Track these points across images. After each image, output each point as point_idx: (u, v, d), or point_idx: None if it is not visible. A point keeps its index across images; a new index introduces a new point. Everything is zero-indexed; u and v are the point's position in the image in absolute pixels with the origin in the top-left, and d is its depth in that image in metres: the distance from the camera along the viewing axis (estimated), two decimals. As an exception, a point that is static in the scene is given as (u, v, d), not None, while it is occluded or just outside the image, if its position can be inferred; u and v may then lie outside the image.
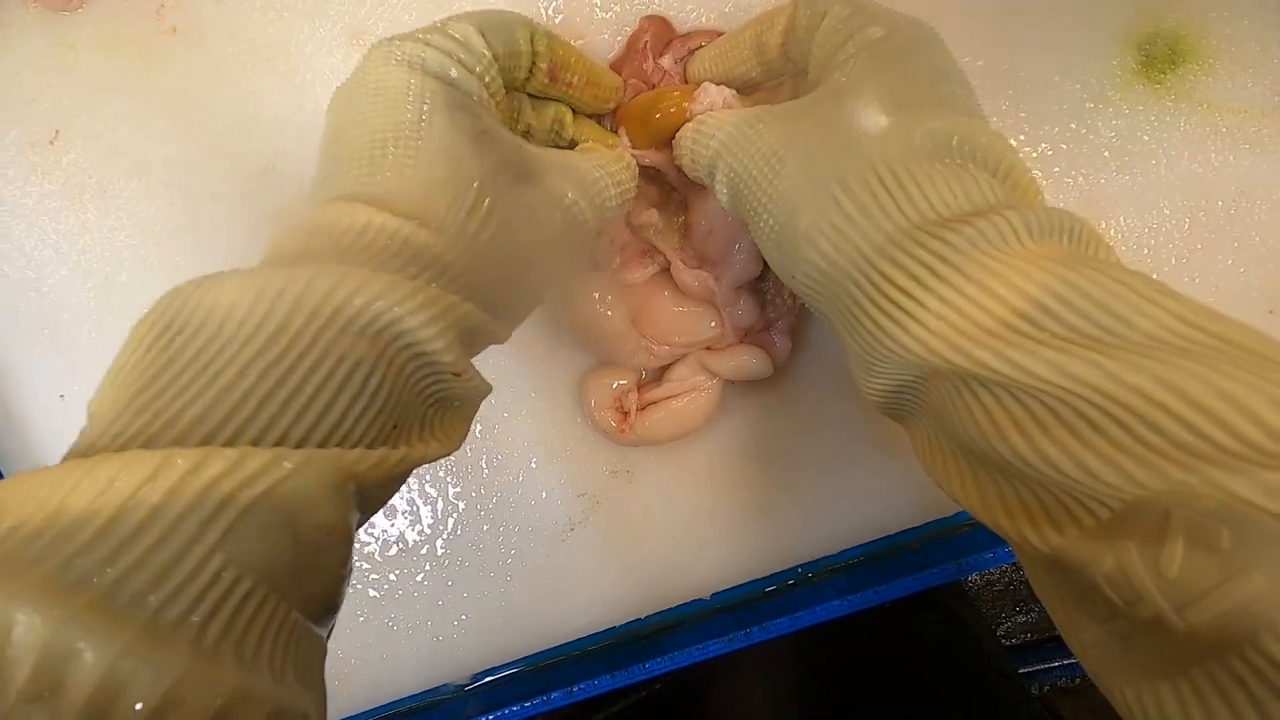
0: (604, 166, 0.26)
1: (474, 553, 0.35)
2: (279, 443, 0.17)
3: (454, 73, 0.22)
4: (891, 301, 0.19)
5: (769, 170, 0.23)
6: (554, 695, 0.34)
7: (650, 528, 0.34)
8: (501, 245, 0.22)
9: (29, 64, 0.34)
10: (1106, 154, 0.31)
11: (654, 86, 0.30)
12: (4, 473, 0.37)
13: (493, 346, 0.23)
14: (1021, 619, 1.12)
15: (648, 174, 0.30)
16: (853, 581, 0.34)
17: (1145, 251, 0.31)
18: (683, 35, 0.31)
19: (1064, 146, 0.31)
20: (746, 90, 0.29)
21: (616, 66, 0.31)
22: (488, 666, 0.36)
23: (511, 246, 0.22)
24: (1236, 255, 0.30)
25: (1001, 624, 1.11)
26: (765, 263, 0.30)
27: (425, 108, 0.22)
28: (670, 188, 0.30)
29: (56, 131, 0.35)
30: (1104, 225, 0.31)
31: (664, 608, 0.35)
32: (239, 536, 0.16)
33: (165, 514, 0.15)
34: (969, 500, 0.20)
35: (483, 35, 0.23)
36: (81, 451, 0.17)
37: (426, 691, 0.36)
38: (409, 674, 0.36)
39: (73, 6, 0.34)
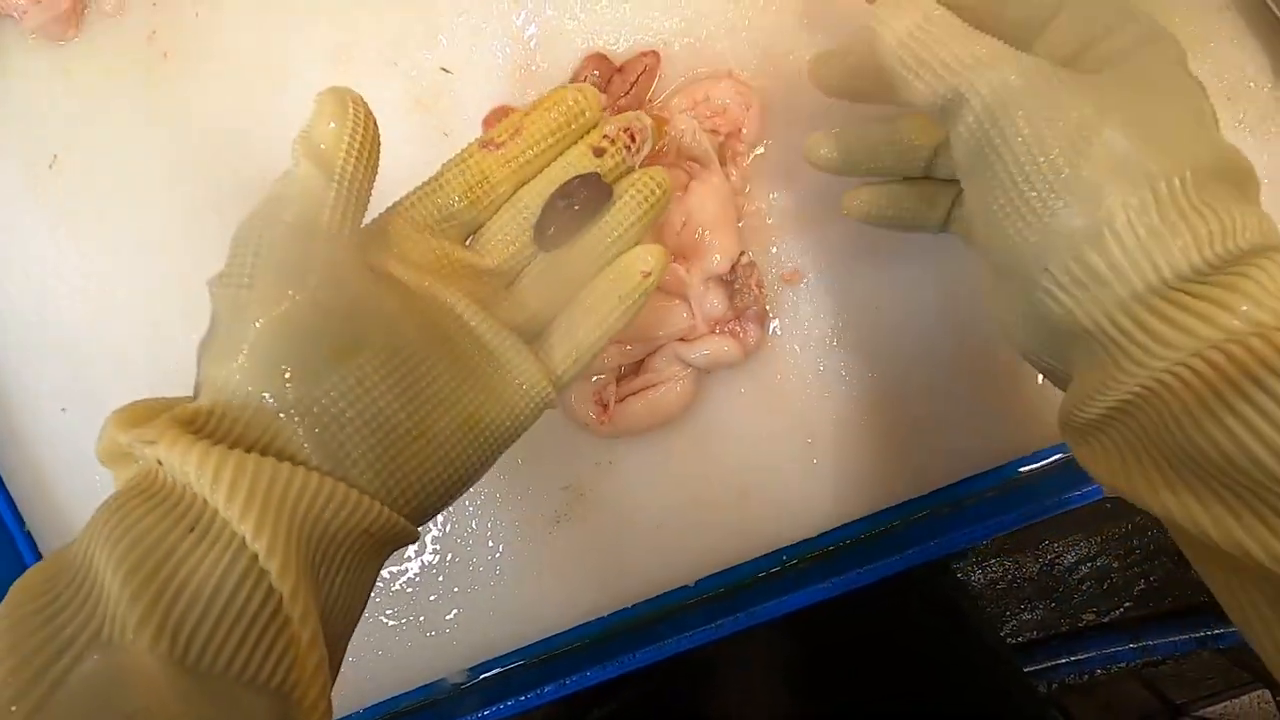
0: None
1: (462, 548, 0.36)
2: None
3: None
4: (1185, 310, 0.19)
5: (1069, 145, 0.20)
6: (547, 689, 0.35)
7: (634, 517, 0.35)
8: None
9: (27, 90, 0.36)
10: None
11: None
12: (6, 484, 0.38)
13: None
14: (1027, 616, 1.12)
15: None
16: (836, 565, 0.34)
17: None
18: (619, 68, 0.32)
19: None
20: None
21: None
22: (481, 661, 0.37)
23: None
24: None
25: (1007, 622, 1.10)
26: (732, 254, 0.31)
27: None
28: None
29: (55, 155, 0.36)
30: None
31: (650, 595, 0.36)
32: None
33: None
34: (1188, 513, 0.19)
35: None
36: None
37: (422, 688, 0.37)
38: (403, 670, 0.37)
39: (69, 35, 0.35)
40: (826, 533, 0.35)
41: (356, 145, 0.23)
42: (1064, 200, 0.20)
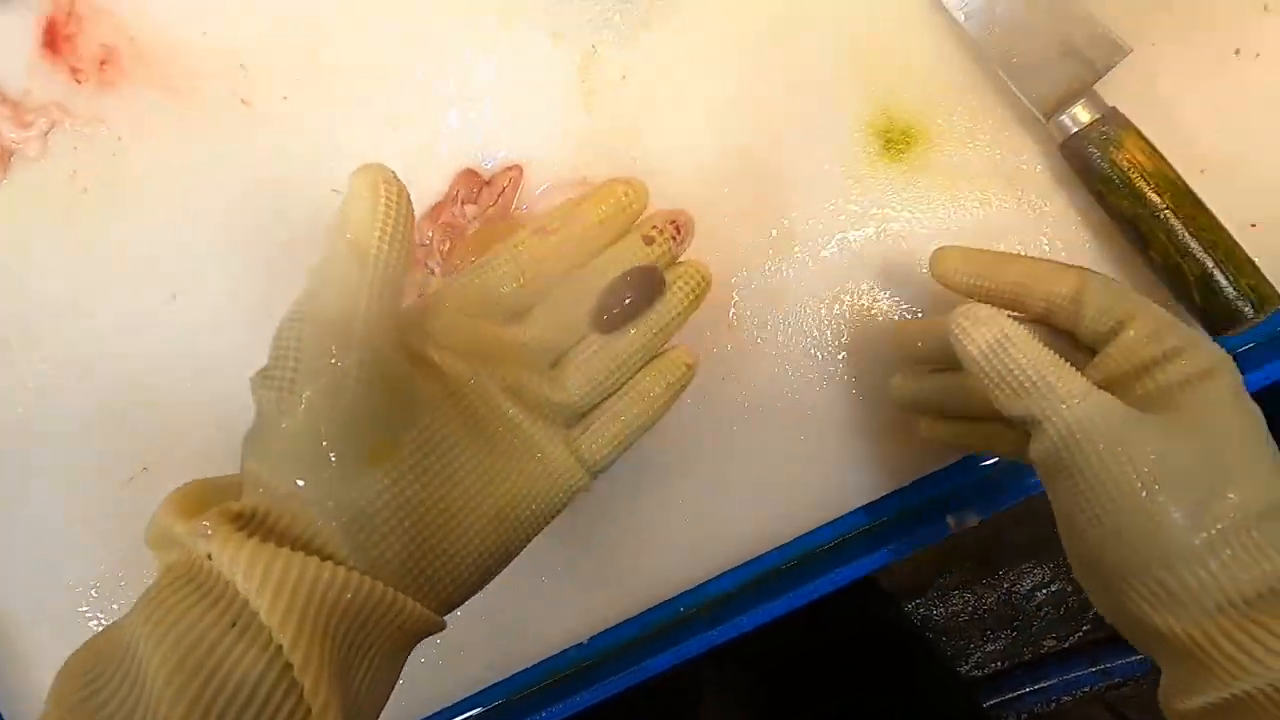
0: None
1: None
2: None
3: None
4: (1260, 644, 0.22)
5: (1139, 485, 0.23)
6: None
7: (523, 575, 0.38)
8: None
9: (-47, 230, 0.40)
10: (857, 214, 0.37)
11: (459, 228, 0.36)
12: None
13: None
14: (991, 647, 1.14)
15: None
16: (767, 590, 0.38)
17: (907, 295, 0.37)
18: (488, 181, 0.37)
19: (830, 214, 0.37)
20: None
21: (436, 212, 0.37)
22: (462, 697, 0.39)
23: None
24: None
25: (972, 654, 1.12)
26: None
27: None
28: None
29: (-13, 279, 0.40)
30: (866, 277, 0.37)
31: (546, 655, 0.39)
32: None
33: None
34: None
35: None
36: None
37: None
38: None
39: (-3, 180, 0.39)
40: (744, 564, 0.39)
41: (390, 227, 0.22)
42: (1137, 532, 0.23)
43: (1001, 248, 0.36)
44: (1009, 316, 0.26)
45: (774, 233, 0.37)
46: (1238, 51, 0.36)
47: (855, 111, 0.37)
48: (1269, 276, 0.34)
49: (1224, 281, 0.33)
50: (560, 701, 0.37)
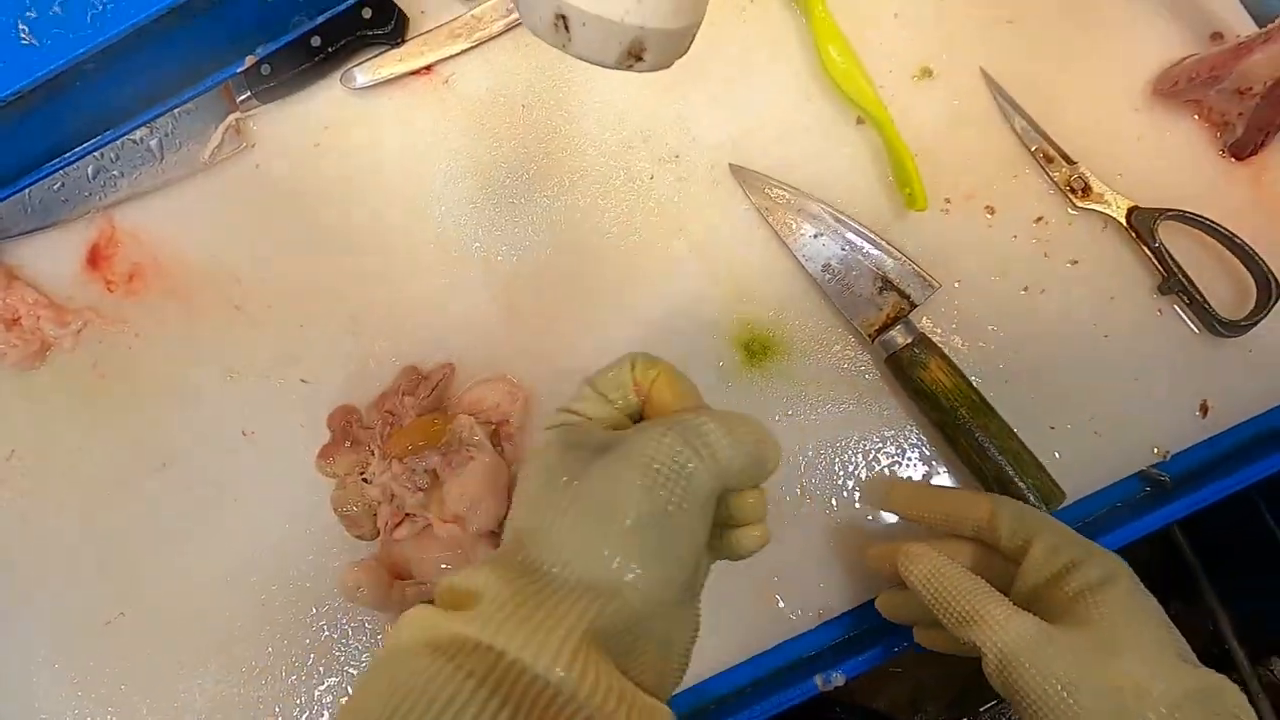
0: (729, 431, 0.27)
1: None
2: None
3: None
4: None
5: (1059, 698, 0.28)
6: None
7: None
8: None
9: (-6, 407, 0.48)
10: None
11: (396, 414, 0.44)
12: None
13: None
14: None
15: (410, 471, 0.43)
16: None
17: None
18: (425, 376, 0.46)
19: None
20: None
21: (380, 400, 0.45)
22: None
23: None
24: (838, 493, 0.43)
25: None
26: (499, 515, 0.43)
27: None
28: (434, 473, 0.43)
29: (12, 450, 0.48)
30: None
31: None
32: None
33: None
34: None
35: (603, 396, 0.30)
36: None
37: None
38: None
39: (35, 366, 0.49)
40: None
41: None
42: None
43: (850, 442, 0.44)
44: (942, 548, 0.34)
45: (656, 425, 0.45)
46: (1026, 289, 0.44)
47: (725, 326, 0.46)
48: (1066, 468, 0.40)
49: (1015, 479, 0.40)
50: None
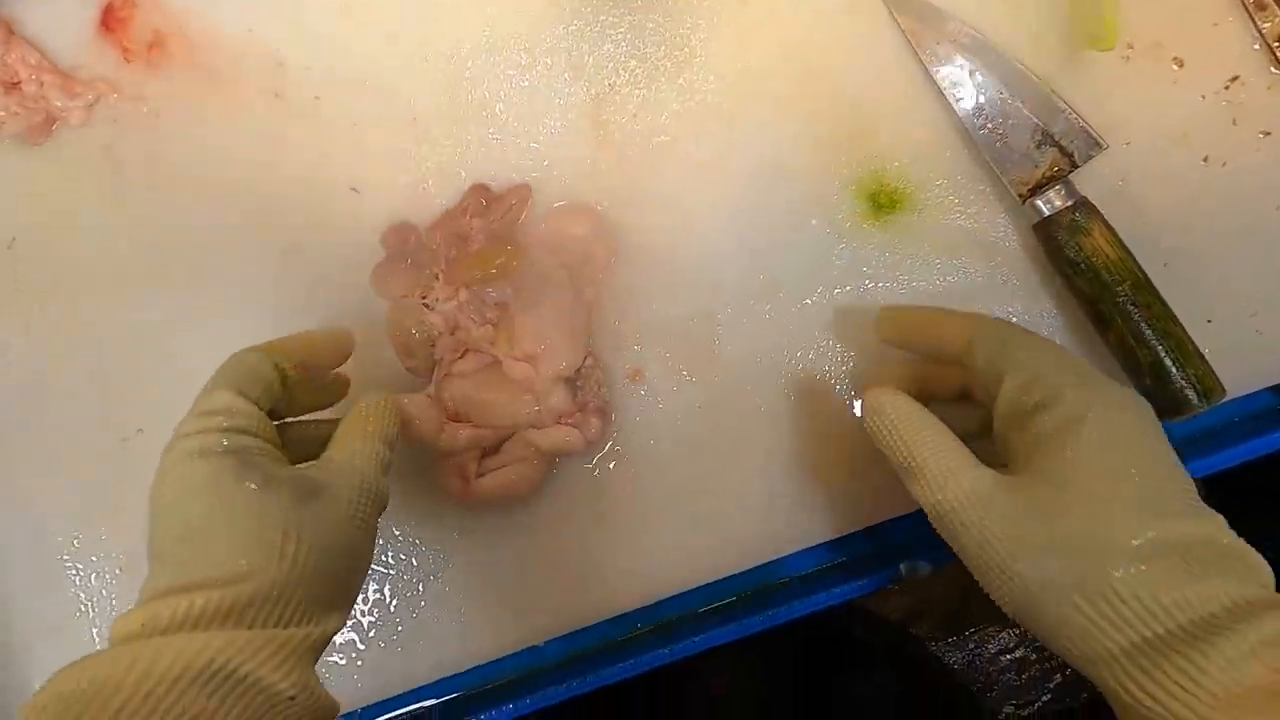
0: (365, 442, 0.31)
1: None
2: None
3: (232, 442, 0.27)
4: (1151, 697, 0.23)
5: (1000, 560, 0.26)
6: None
7: (493, 579, 0.40)
8: (323, 558, 0.27)
9: (-5, 184, 0.42)
10: (840, 270, 0.39)
11: (464, 237, 0.38)
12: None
13: None
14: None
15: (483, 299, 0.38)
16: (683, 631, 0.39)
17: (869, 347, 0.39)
18: (498, 197, 0.39)
19: (809, 269, 0.39)
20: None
21: (445, 219, 0.39)
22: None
23: (330, 554, 0.27)
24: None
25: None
26: (575, 361, 0.38)
27: (222, 486, 0.26)
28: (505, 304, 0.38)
29: (14, 238, 0.42)
30: (838, 329, 0.39)
31: (504, 654, 0.40)
32: None
33: None
34: None
35: (242, 394, 0.28)
36: None
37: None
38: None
39: (39, 141, 0.42)
40: (662, 601, 0.40)
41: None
42: (1008, 595, 0.26)
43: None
44: (907, 397, 0.30)
45: (761, 277, 0.40)
46: (1206, 159, 0.38)
47: (848, 173, 0.39)
48: (1218, 371, 0.36)
49: (1173, 370, 0.35)
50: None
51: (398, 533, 0.40)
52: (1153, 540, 0.24)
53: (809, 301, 0.40)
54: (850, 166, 0.39)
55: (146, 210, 0.42)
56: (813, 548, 0.40)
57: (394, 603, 0.40)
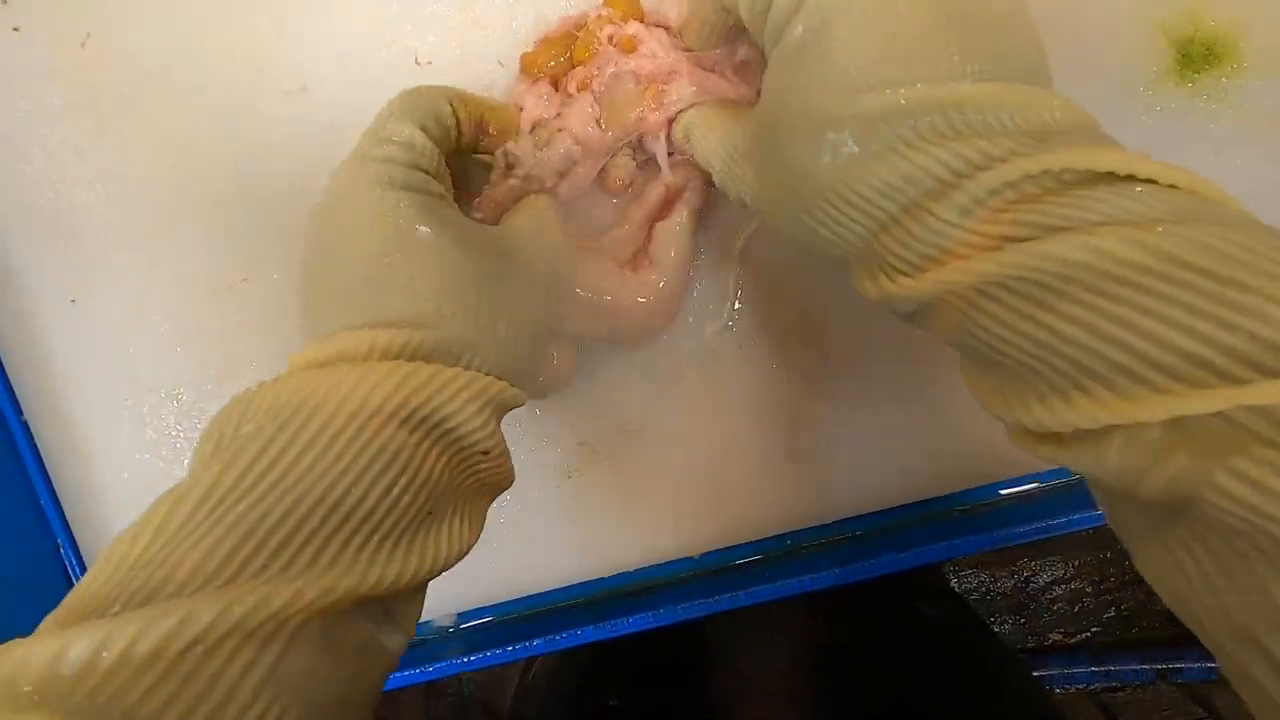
0: (537, 219, 0.27)
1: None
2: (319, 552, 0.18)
3: (417, 179, 0.23)
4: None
5: (755, 204, 0.24)
6: (536, 643, 0.35)
7: (646, 484, 0.35)
8: (509, 323, 0.24)
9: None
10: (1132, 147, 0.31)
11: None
12: (7, 371, 0.37)
13: None
14: (995, 630, 1.13)
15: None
16: (840, 555, 0.34)
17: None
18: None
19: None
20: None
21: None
22: (472, 607, 0.37)
23: (522, 321, 0.24)
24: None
25: (975, 634, 1.12)
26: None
27: (404, 222, 0.23)
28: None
29: (88, 34, 0.34)
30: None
31: (653, 562, 0.35)
32: (284, 670, 0.16)
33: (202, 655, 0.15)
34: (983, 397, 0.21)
35: (423, 128, 0.24)
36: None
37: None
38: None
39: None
40: (838, 522, 0.35)
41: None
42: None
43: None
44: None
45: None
46: None
47: (1159, 14, 0.30)
48: None
49: None
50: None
51: (539, 411, 0.35)
52: (860, 115, 0.19)
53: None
54: (1163, 3, 0.30)
55: (248, 10, 0.34)
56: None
57: (527, 497, 0.35)
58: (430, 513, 0.21)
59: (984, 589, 1.14)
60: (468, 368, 0.23)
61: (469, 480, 0.23)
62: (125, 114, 0.35)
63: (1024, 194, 0.18)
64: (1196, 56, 0.30)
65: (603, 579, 0.36)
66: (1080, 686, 1.08)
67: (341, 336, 0.21)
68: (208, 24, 0.34)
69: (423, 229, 0.23)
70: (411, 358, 0.21)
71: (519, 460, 0.35)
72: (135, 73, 0.34)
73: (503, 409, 0.23)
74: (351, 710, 0.19)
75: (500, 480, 0.24)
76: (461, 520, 0.23)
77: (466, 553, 0.23)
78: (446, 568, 0.22)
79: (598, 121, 0.28)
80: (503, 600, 0.36)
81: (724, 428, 0.34)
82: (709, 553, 0.35)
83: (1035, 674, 1.08)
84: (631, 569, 0.36)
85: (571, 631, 0.34)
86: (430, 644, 0.37)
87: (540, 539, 0.36)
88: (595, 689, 0.45)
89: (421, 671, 0.35)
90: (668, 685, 0.45)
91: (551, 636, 0.34)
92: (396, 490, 0.19)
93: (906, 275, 0.20)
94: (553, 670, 0.49)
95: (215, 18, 0.34)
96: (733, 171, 0.25)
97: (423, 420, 0.20)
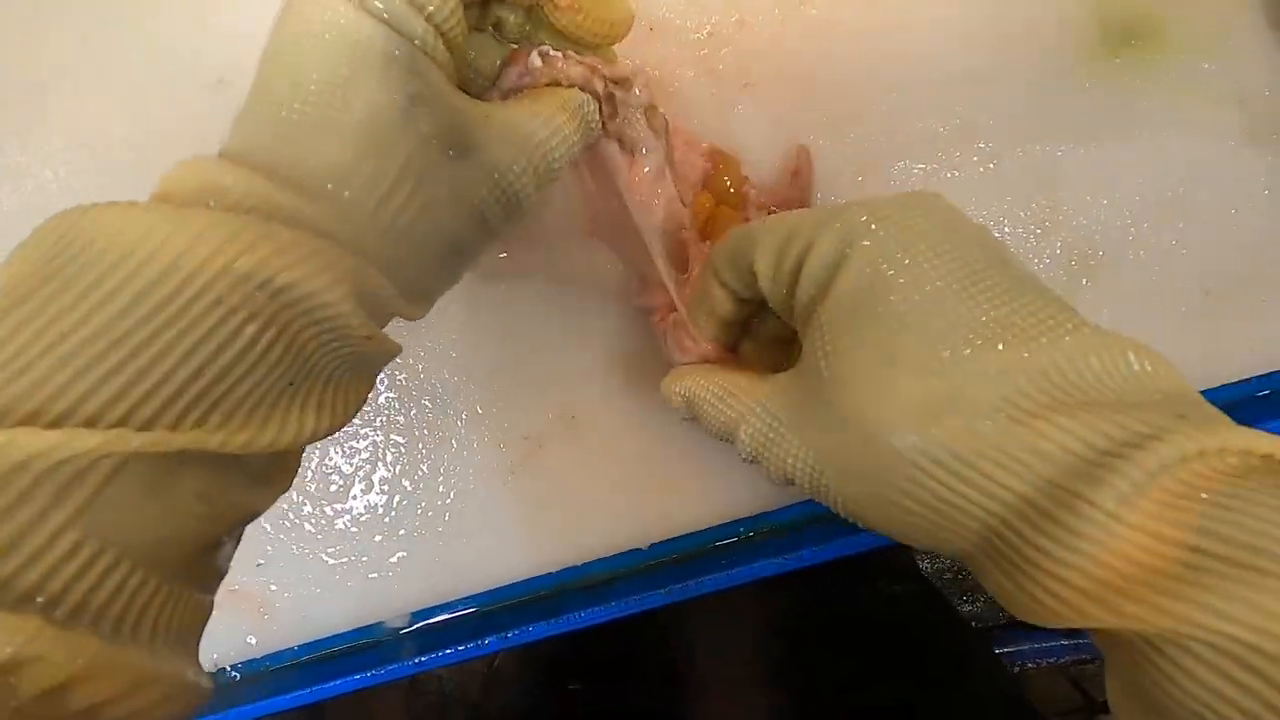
0: (551, 123, 0.23)
1: (412, 491, 0.35)
2: (134, 407, 0.16)
3: (397, 14, 0.19)
4: (1022, 571, 0.18)
5: (812, 479, 0.22)
6: (489, 641, 0.34)
7: (592, 475, 0.34)
8: (422, 227, 0.20)
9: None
10: (1064, 127, 0.31)
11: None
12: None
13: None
14: (968, 608, 1.15)
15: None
16: (792, 541, 0.34)
17: (1095, 227, 0.31)
18: None
19: (1022, 116, 0.31)
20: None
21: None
22: (424, 607, 0.36)
23: (433, 229, 0.21)
24: (1180, 235, 0.31)
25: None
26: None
27: (355, 64, 0.19)
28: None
29: (-1, 32, 0.33)
30: (1057, 197, 0.31)
31: (603, 555, 0.35)
32: (99, 509, 0.15)
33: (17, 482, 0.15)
34: None
35: None
36: None
37: (358, 630, 0.36)
38: (341, 611, 0.35)
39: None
40: (786, 506, 0.35)
41: None
42: (840, 506, 0.21)
43: (1207, 189, 0.31)
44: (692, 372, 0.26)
45: (957, 122, 0.31)
46: None
47: (1080, -10, 0.30)
48: None
49: None
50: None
51: (479, 409, 0.34)
52: (931, 392, 0.18)
53: (1009, 164, 0.32)
54: (1084, -18, 0.30)
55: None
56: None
57: (473, 493, 0.35)
58: (291, 383, 0.19)
59: (956, 567, 1.15)
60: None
61: (344, 351, 0.20)
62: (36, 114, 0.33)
63: (1183, 482, 0.16)
64: (1125, 35, 0.31)
65: (551, 574, 0.36)
66: (1053, 660, 1.10)
67: (214, 167, 0.19)
68: (120, 28, 0.33)
69: (371, 82, 0.19)
70: (278, 216, 0.18)
71: (462, 457, 0.34)
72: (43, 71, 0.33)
73: (374, 304, 0.20)
74: (191, 556, 0.18)
75: (382, 351, 0.21)
76: (336, 391, 0.20)
77: (340, 426, 0.21)
78: (315, 439, 0.20)
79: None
80: (451, 599, 0.36)
81: (672, 414, 0.34)
82: (658, 543, 0.35)
83: (1009, 649, 1.10)
84: (580, 564, 0.35)
85: (523, 629, 0.34)
86: (385, 645, 0.37)
87: (490, 535, 0.35)
88: (560, 677, 0.45)
89: (374, 674, 0.35)
90: (630, 674, 0.45)
91: (503, 634, 0.34)
92: (229, 356, 0.17)
93: (1063, 583, 0.17)
94: (516, 662, 0.49)
95: (127, 22, 0.33)
96: (773, 447, 0.23)
97: (264, 284, 0.17)
